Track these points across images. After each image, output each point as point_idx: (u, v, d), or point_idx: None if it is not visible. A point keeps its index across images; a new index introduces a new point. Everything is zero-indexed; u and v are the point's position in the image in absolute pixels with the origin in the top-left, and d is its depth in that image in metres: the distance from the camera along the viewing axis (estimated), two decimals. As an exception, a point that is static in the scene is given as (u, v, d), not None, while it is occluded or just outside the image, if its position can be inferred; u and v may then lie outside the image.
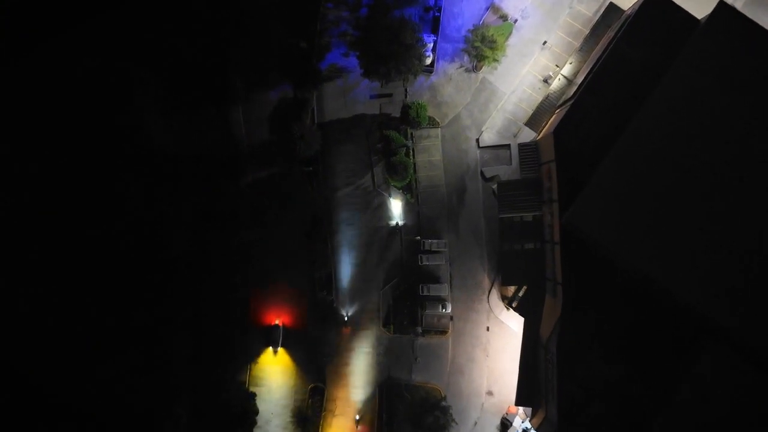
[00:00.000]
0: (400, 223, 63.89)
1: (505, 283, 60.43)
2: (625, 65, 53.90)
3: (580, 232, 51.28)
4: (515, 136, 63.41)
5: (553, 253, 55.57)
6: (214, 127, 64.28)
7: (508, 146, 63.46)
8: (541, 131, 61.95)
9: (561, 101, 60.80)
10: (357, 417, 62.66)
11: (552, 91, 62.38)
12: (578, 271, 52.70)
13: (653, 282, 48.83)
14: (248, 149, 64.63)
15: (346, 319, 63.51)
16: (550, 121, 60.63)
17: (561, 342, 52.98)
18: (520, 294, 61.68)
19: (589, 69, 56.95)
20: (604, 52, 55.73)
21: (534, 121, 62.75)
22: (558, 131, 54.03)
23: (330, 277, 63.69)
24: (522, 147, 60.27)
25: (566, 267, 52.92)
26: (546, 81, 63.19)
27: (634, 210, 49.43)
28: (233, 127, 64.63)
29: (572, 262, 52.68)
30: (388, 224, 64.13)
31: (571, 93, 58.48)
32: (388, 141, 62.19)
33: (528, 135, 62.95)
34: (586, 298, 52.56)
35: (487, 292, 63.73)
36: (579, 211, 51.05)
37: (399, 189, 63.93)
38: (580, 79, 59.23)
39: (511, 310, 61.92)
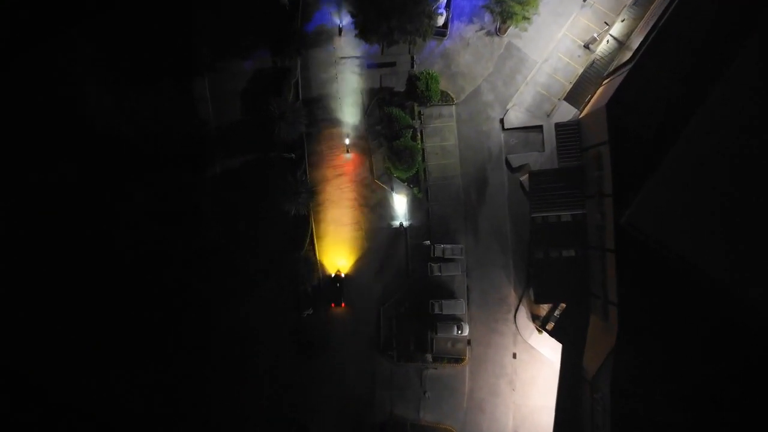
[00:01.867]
0: (405, 223, 51.33)
1: (538, 300, 47.86)
2: (698, 20, 41.23)
3: (645, 237, 38.94)
4: (549, 115, 50.74)
5: (603, 262, 43.08)
6: (174, 105, 51.71)
7: (540, 128, 50.85)
8: (584, 108, 49.25)
9: (611, 69, 48.15)
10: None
11: (598, 57, 49.68)
12: (639, 288, 40.40)
13: (744, 304, 36.60)
14: (216, 132, 52.01)
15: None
16: (596, 95, 47.99)
17: (616, 380, 40.64)
18: (557, 313, 49.13)
19: (650, 27, 44.30)
20: (670, 5, 43.02)
21: (574, 95, 50.07)
22: (612, 105, 41.41)
23: (318, 292, 51.13)
24: (560, 128, 47.52)
25: (623, 282, 40.53)
26: (587, 46, 50.48)
27: (717, 208, 37.17)
28: (198, 105, 52.00)
29: (631, 275, 40.31)
30: (390, 225, 51.58)
31: (626, 58, 45.90)
32: (391, 121, 49.56)
33: (565, 113, 50.31)
34: (649, 324, 40.26)
35: (513, 310, 51.21)
36: (645, 208, 38.85)
37: (404, 181, 51.35)
38: (636, 41, 46.73)
39: (545, 333, 49.40)
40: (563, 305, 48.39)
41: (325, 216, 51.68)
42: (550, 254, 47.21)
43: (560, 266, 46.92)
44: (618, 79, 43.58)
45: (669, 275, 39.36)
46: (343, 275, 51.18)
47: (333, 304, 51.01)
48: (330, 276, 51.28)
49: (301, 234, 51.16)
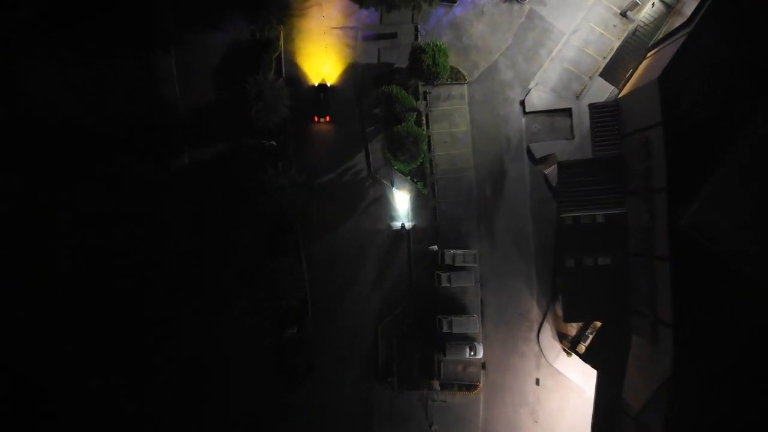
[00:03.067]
0: (408, 225, 43.23)
1: (568, 318, 39.80)
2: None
3: (712, 242, 31.04)
4: (579, 96, 42.63)
5: (651, 273, 35.12)
6: (132, 84, 43.52)
7: (568, 111, 42.75)
8: (623, 86, 41.14)
9: (657, 38, 40.05)
10: None
11: (641, 25, 41.50)
12: (701, 306, 32.47)
13: None
14: (183, 117, 43.85)
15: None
16: (639, 70, 39.91)
17: (671, 420, 32.64)
18: (589, 332, 41.10)
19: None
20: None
21: (611, 71, 41.92)
22: (666, 78, 33.37)
23: (303, 307, 43.02)
24: (595, 109, 39.50)
25: (681, 298, 32.67)
26: (625, 14, 42.33)
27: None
28: (161, 85, 43.81)
29: (691, 290, 32.48)
30: (390, 227, 43.50)
31: (678, 24, 37.80)
32: (391, 102, 41.38)
33: (599, 93, 42.24)
34: (714, 351, 32.33)
35: (536, 328, 43.14)
36: (713, 206, 31.01)
37: (406, 175, 43.29)
38: (690, 5, 38.85)
39: (575, 356, 41.40)
40: (598, 323, 40.34)
41: (315, 216, 43.54)
42: (582, 262, 39.14)
43: (595, 277, 38.87)
44: (670, 47, 35.48)
45: (741, 291, 31.41)
46: (328, 84, 42.90)
47: (316, 118, 42.75)
48: (314, 86, 43.22)
49: (284, 239, 42.99)
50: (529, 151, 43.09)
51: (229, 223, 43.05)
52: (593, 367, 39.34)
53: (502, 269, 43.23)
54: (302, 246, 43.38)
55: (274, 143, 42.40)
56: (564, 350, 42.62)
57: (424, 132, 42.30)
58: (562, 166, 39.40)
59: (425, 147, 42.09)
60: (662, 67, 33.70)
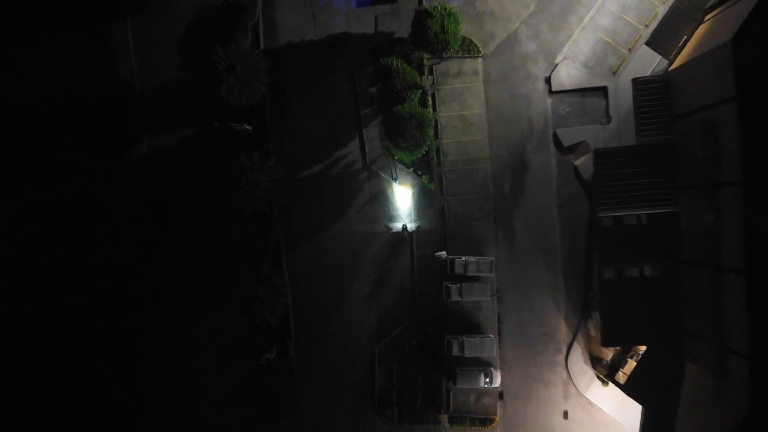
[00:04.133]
0: (411, 226, 36.12)
1: (607, 341, 32.62)
2: None
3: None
4: (616, 72, 35.38)
5: (716, 288, 27.99)
6: (82, 58, 36.40)
7: (602, 90, 35.51)
8: (676, 56, 33.91)
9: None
10: None
11: (694, -17, 34.25)
12: (785, 332, 25.27)
13: None
14: (143, 97, 36.71)
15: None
16: (697, 36, 32.71)
17: (748, 477, 25.46)
18: (631, 357, 34.02)
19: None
20: None
21: (659, 39, 34.60)
22: (742, 41, 26.17)
23: (285, 325, 35.91)
24: (640, 86, 32.39)
25: (760, 320, 25.53)
26: (672, -27, 35.08)
27: None
28: (116, 59, 36.67)
29: (773, 311, 25.33)
30: (390, 229, 36.38)
31: (745, -23, 30.58)
32: (390, 77, 34.27)
33: (642, 66, 34.91)
34: (805, 389, 25.14)
35: (564, 351, 36.00)
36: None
37: (409, 166, 36.16)
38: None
39: (612, 385, 34.27)
40: (642, 348, 33.24)
41: (300, 216, 36.42)
42: (624, 273, 32.01)
43: (640, 291, 31.79)
44: (743, 4, 28.26)
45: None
46: None
47: None
48: None
49: (262, 244, 35.91)
50: (555, 138, 35.88)
51: (195, 225, 35.88)
52: (637, 401, 32.22)
53: (524, 280, 36.08)
54: (284, 252, 36.22)
55: (248, 128, 35.22)
56: (598, 377, 35.47)
57: (430, 114, 35.09)
58: (600, 155, 32.22)
59: (431, 132, 34.89)
60: (735, 28, 26.49)
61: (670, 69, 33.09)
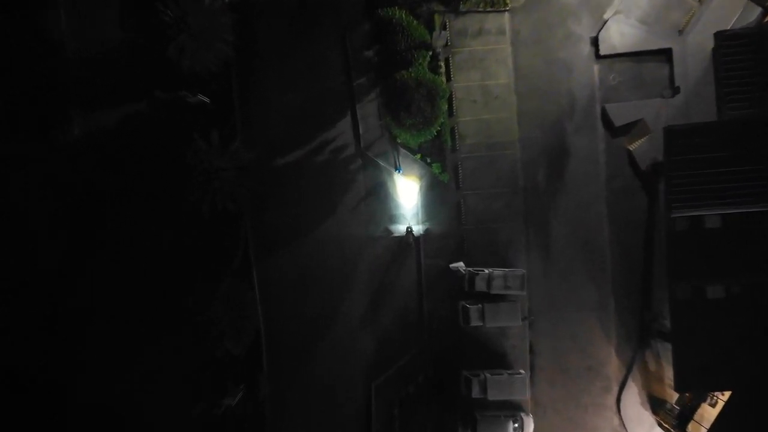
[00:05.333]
0: (418, 229, 28.07)
1: (682, 385, 24.52)
2: None
3: None
4: (683, 30, 27.31)
5: None
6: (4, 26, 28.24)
7: (666, 53, 27.47)
8: (772, 3, 25.88)
9: None
10: None
11: None
12: None
13: None
14: (76, 63, 28.48)
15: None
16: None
17: None
18: (708, 402, 25.91)
19: None
20: None
21: (744, -17, 26.60)
22: None
23: (255, 356, 27.74)
24: (726, 42, 24.43)
25: None
26: None
27: None
28: (40, 15, 28.46)
29: None
30: (390, 233, 28.31)
31: None
32: (391, 34, 26.23)
33: (715, 21, 26.82)
34: None
35: (615, 390, 27.94)
36: None
37: (415, 152, 28.07)
38: None
39: (682, 437, 26.19)
40: (727, 391, 25.16)
41: (275, 215, 28.35)
42: (705, 292, 23.96)
43: (727, 316, 23.73)
44: None
45: None
46: None
47: None
48: None
49: (224, 251, 27.83)
50: (604, 116, 27.85)
51: (138, 227, 27.73)
52: (720, 462, 24.21)
53: (563, 299, 28.08)
54: (253, 262, 28.10)
55: (205, 99, 27.09)
56: (661, 425, 27.38)
57: (443, 84, 26.98)
58: (672, 135, 24.19)
59: (444, 107, 26.85)
60: None
61: (766, 20, 25.08)
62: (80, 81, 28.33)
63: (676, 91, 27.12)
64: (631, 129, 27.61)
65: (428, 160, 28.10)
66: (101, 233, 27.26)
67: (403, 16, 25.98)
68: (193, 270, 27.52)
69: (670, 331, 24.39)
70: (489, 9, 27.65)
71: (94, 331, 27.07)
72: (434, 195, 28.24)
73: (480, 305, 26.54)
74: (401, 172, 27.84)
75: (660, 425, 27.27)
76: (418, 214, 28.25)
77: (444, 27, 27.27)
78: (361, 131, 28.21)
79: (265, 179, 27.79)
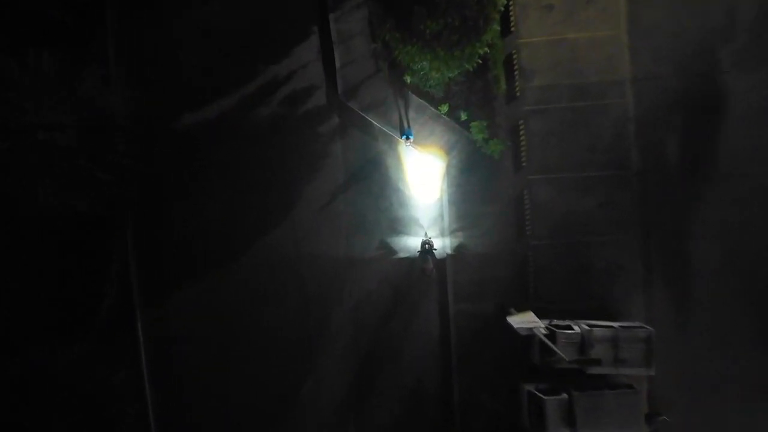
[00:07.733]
0: (442, 246, 14.98)
1: None
2: None
3: None
4: None
5: None
6: None
7: None
8: None
9: None
10: None
11: None
12: None
13: None
14: None
15: None
16: None
17: None
18: None
19: None
20: None
21: None
22: None
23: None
24: None
25: None
26: None
27: None
28: None
29: None
30: (391, 250, 15.27)
31: None
32: None
33: None
34: None
35: None
36: None
37: (439, 100, 14.93)
38: None
39: None
40: None
41: (181, 215, 15.36)
42: None
43: None
44: None
45: None
46: None
47: None
48: None
49: (83, 288, 14.85)
50: (793, 37, 14.83)
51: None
52: None
53: (717, 376, 15.00)
54: (138, 311, 15.13)
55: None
56: None
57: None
58: None
59: (496, 14, 13.71)
60: None
61: None
62: None
63: None
64: None
65: (463, 117, 15.11)
66: None
67: None
68: (29, 330, 14.59)
69: None
70: None
71: None
72: (474, 182, 15.30)
73: (565, 395, 13.62)
74: (412, 138, 14.94)
75: None
76: (442, 217, 15.31)
77: None
78: (338, 64, 15.25)
79: (161, 155, 14.95)
